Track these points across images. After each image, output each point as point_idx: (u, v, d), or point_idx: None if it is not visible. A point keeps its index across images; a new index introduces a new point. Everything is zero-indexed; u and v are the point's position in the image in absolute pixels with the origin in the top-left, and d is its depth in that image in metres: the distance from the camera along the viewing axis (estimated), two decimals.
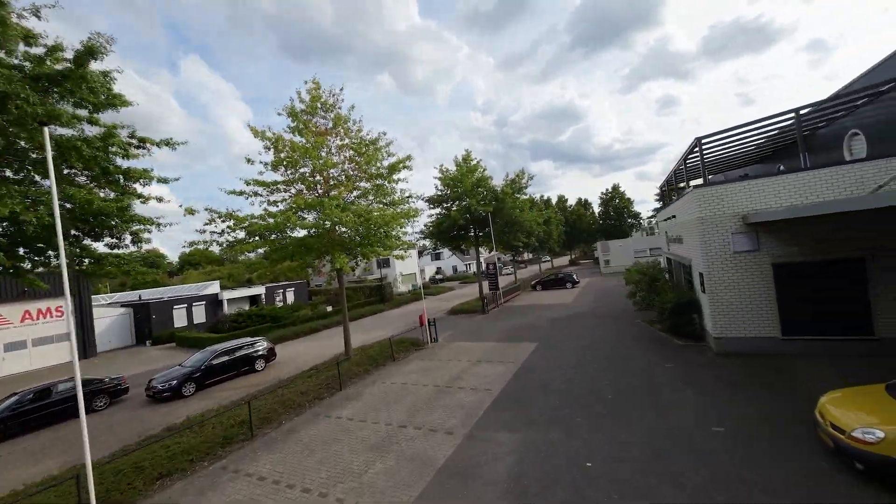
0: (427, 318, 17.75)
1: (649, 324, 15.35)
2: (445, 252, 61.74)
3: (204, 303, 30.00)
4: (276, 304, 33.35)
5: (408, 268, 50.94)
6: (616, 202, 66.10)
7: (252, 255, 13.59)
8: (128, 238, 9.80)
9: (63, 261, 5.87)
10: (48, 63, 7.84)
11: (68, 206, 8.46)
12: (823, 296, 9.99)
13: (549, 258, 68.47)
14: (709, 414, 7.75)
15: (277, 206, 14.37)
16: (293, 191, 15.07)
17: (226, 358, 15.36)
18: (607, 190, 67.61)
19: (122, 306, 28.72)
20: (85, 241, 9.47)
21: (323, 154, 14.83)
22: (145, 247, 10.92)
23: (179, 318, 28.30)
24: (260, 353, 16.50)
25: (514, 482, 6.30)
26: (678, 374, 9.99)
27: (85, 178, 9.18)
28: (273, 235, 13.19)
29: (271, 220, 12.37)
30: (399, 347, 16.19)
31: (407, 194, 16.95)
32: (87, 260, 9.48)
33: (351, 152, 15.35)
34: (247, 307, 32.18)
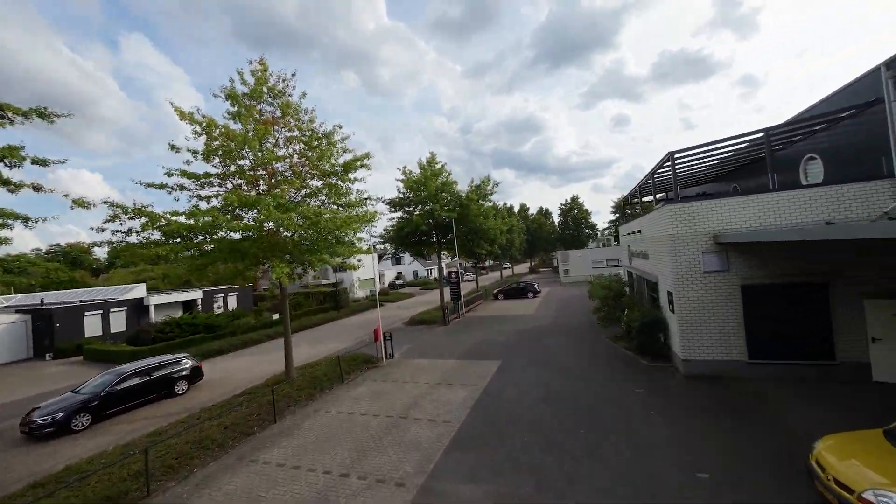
0: (383, 332, 16.20)
1: (614, 340, 14.93)
2: (406, 257, 60.06)
3: (125, 309, 26.05)
4: (214, 311, 29.94)
5: (366, 272, 48.62)
6: (575, 213, 68.15)
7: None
8: None
9: None
10: None
11: None
12: (788, 319, 9.85)
13: (509, 265, 68.97)
14: (690, 451, 7.04)
15: (211, 203, 12.26)
16: (230, 186, 13.04)
17: (136, 380, 12.82)
18: (567, 200, 69.63)
19: (17, 312, 24.17)
20: None
21: (268, 145, 12.97)
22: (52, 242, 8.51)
23: (92, 327, 24.29)
24: (182, 373, 14.05)
25: None
26: (651, 402, 9.34)
27: None
28: (199, 237, 11.07)
29: (194, 221, 10.26)
30: (350, 366, 14.51)
31: (365, 195, 15.44)
32: None
33: (301, 146, 13.59)
34: (180, 314, 28.58)
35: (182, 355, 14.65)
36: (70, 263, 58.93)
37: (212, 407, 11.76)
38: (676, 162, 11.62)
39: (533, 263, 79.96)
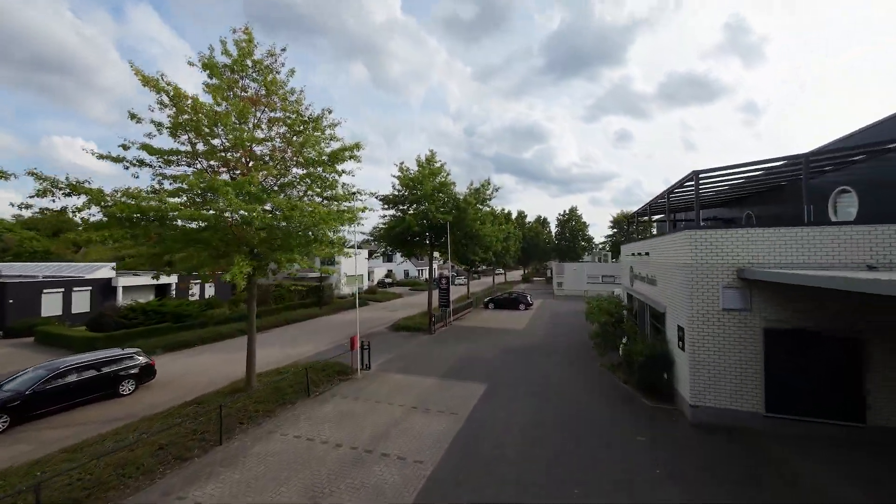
0: (361, 340, 14.83)
1: (611, 370, 13.73)
2: (398, 255, 58.61)
3: (90, 289, 24.30)
4: (188, 298, 28.27)
5: (354, 268, 47.12)
6: (572, 224, 67.26)
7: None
8: None
9: None
10: None
11: None
12: (815, 371, 8.70)
13: (502, 271, 67.85)
14: None
15: (176, 185, 10.80)
16: (203, 167, 11.61)
17: (73, 377, 11.31)
18: (565, 211, 68.66)
19: None
20: None
21: (247, 126, 11.57)
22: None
23: (51, 306, 22.54)
24: (130, 371, 12.55)
25: None
26: (656, 456, 8.10)
27: None
28: (146, 222, 9.56)
29: (135, 202, 8.75)
30: (320, 376, 13.13)
31: (354, 189, 14.06)
32: None
33: (285, 129, 12.19)
34: (152, 298, 26.89)
35: (133, 350, 13.14)
36: (53, 234, 56.26)
37: (154, 416, 10.30)
38: (702, 183, 10.44)
39: (526, 272, 78.98)
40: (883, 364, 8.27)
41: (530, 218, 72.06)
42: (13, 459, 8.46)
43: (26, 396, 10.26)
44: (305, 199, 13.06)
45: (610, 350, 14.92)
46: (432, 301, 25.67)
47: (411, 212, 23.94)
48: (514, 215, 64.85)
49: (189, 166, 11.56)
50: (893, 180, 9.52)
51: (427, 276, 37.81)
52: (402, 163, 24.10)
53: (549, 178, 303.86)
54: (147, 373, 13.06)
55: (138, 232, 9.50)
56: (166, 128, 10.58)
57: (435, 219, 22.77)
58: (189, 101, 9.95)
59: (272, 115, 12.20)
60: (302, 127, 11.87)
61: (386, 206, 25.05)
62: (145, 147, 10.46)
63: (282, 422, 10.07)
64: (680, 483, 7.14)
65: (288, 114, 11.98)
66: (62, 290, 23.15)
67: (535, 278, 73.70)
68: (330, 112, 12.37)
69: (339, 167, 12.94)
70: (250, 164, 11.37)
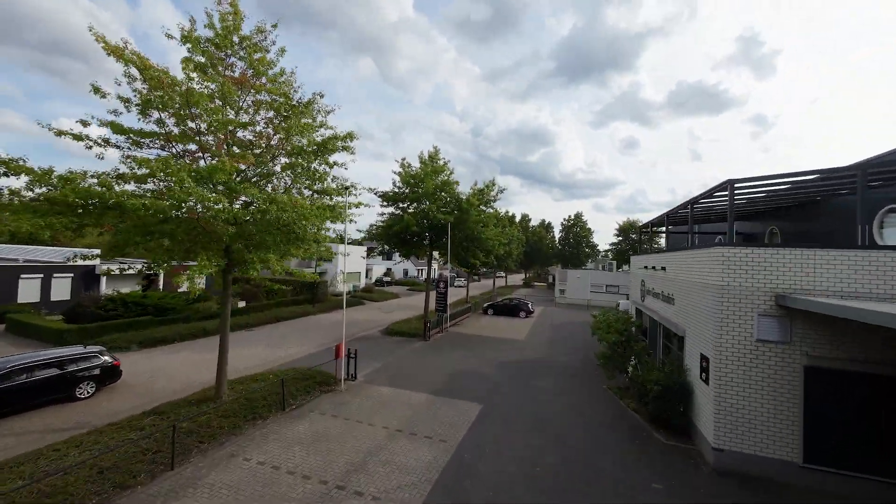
0: (348, 348, 13.66)
1: (619, 394, 12.51)
2: (397, 254, 57.51)
3: (72, 276, 23.23)
4: (176, 290, 27.16)
5: (352, 265, 46.07)
6: (577, 230, 66.01)
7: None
8: None
9: None
10: None
11: None
12: (866, 419, 7.47)
13: (503, 274, 66.63)
14: None
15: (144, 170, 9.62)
16: (179, 151, 10.48)
17: (23, 377, 10.18)
18: (570, 217, 67.44)
19: None
20: None
21: (231, 108, 10.44)
22: None
23: (29, 293, 21.48)
24: (91, 371, 11.41)
25: None
26: None
27: None
28: (106, 210, 8.38)
29: (70, 185, 7.51)
30: (300, 386, 11.96)
31: (348, 183, 12.91)
32: None
33: (271, 113, 11.03)
34: (138, 288, 25.82)
35: (96, 349, 12.00)
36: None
37: (105, 428, 9.14)
38: (737, 193, 9.20)
39: (528, 276, 77.70)
40: None
41: (534, 221, 70.91)
42: None
43: None
44: (293, 191, 11.96)
45: (618, 372, 13.70)
46: (429, 304, 24.51)
47: (411, 210, 22.78)
48: (517, 218, 63.68)
49: (163, 149, 10.47)
50: None
51: (426, 277, 36.68)
52: (403, 159, 22.93)
53: (554, 181, 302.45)
54: (110, 374, 11.92)
55: (88, 221, 8.32)
56: (135, 105, 9.42)
57: (435, 219, 21.58)
58: (158, 75, 8.73)
59: (258, 97, 11.07)
60: (290, 112, 10.69)
61: (385, 204, 23.89)
62: (112, 125, 9.31)
63: (247, 442, 8.90)
64: None
65: (275, 97, 10.81)
66: (41, 276, 22.08)
67: (536, 283, 72.45)
68: (322, 97, 11.20)
69: (331, 159, 11.83)
70: (229, 151, 10.22)
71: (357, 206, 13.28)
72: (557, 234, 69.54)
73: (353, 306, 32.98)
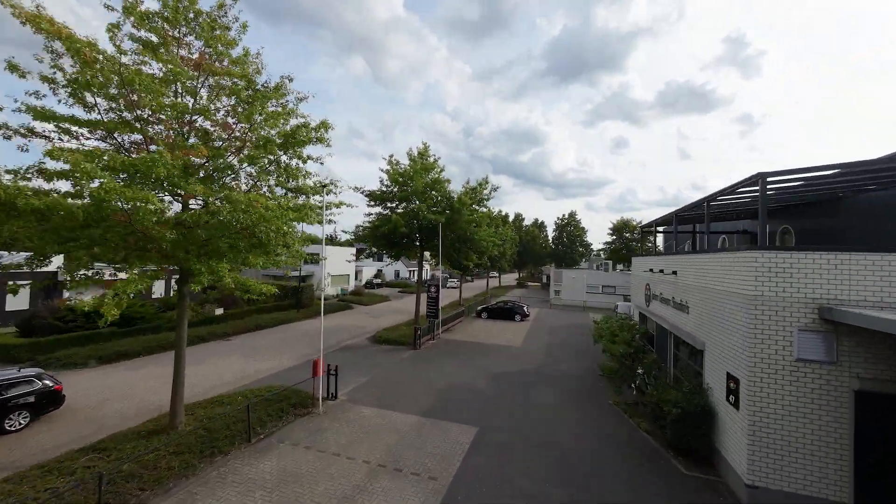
0: (328, 364, 12.28)
1: (628, 412, 11.31)
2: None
3: (29, 283, 21.26)
4: (150, 299, 25.40)
5: (340, 267, 44.50)
6: (570, 229, 65.18)
7: None
8: None
9: None
10: None
11: None
12: None
13: (497, 275, 65.53)
14: None
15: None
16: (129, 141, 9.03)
17: None
18: (564, 216, 66.59)
19: None
20: None
21: (183, 92, 9.02)
22: None
23: None
24: (24, 399, 9.85)
25: None
26: None
27: None
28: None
29: None
30: (270, 410, 10.55)
31: (327, 181, 11.58)
32: None
33: (234, 99, 9.60)
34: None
35: (32, 372, 10.45)
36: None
37: (31, 471, 7.62)
38: (770, 188, 8.04)
39: (521, 276, 76.78)
40: None
41: (527, 221, 69.95)
42: None
43: None
44: (264, 189, 10.56)
45: (625, 385, 12.54)
46: (420, 309, 23.18)
47: (400, 210, 21.42)
48: (510, 217, 62.60)
49: (104, 140, 8.98)
50: None
51: (417, 279, 35.28)
52: (391, 155, 21.55)
53: (545, 181, 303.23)
54: (50, 400, 10.36)
55: None
56: (62, 86, 7.93)
57: (425, 219, 20.25)
58: (79, 48, 7.25)
59: (220, 81, 9.63)
60: (253, 98, 9.26)
61: (371, 203, 22.49)
62: (34, 111, 7.80)
63: (200, 486, 7.48)
64: None
65: (235, 80, 9.38)
66: None
67: (529, 283, 71.51)
68: (291, 80, 9.78)
69: (305, 153, 10.43)
70: (181, 142, 8.76)
71: (338, 205, 11.96)
72: (551, 234, 68.66)
73: (340, 311, 31.49)
